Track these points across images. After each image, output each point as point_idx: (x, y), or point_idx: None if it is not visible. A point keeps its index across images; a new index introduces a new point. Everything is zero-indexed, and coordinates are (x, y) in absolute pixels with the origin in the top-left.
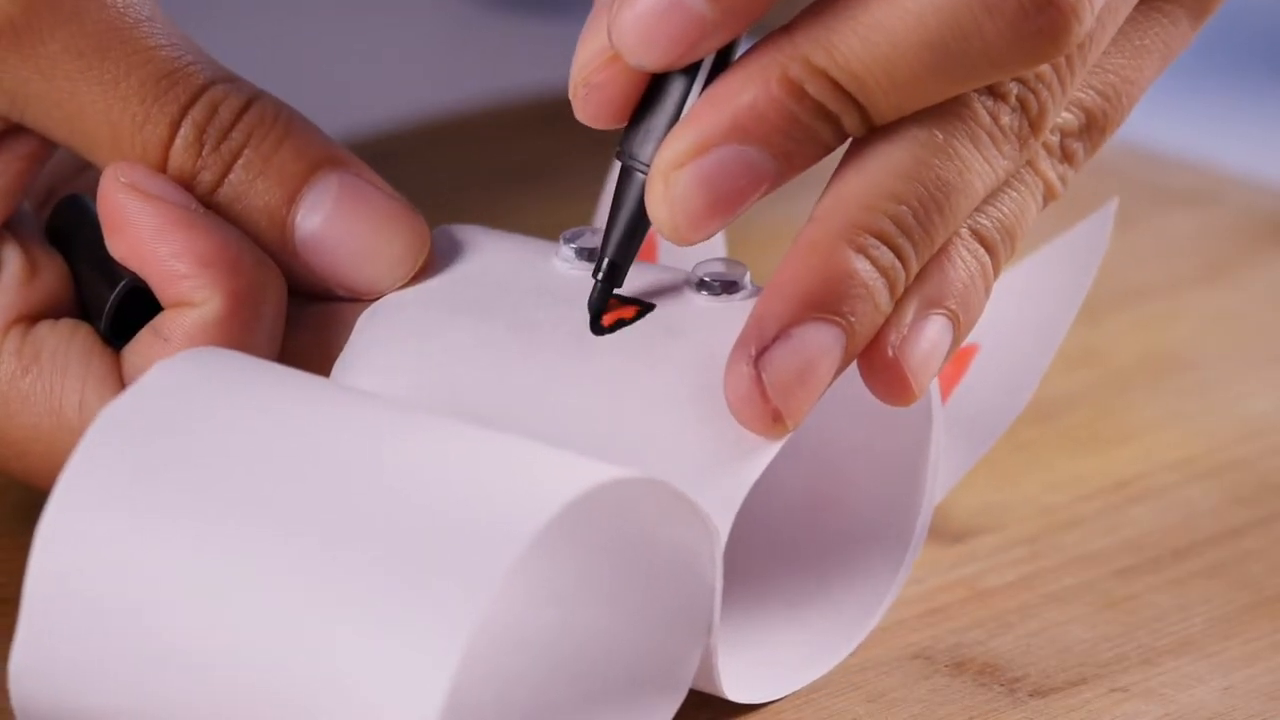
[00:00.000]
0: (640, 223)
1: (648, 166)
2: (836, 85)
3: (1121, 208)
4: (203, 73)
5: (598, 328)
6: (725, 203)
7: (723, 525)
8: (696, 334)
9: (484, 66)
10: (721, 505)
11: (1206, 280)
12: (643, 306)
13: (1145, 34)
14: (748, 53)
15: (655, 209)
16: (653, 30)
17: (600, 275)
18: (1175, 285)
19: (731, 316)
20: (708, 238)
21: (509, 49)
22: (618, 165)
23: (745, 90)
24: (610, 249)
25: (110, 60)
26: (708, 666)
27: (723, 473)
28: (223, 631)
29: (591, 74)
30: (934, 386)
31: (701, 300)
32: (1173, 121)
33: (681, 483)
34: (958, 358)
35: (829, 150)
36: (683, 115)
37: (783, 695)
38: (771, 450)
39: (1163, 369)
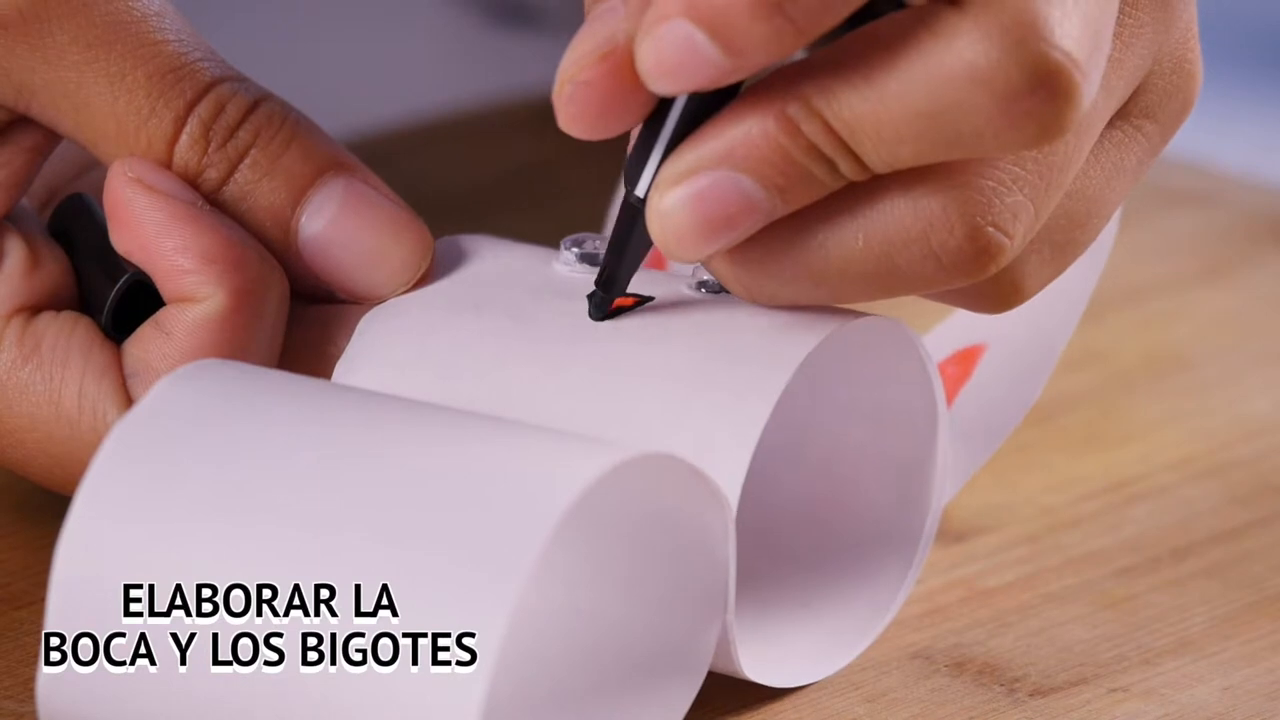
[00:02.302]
0: (634, 240)
1: (640, 197)
2: (831, 130)
3: (1122, 208)
4: (210, 70)
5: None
6: (714, 226)
7: (731, 495)
8: (695, 319)
9: (483, 68)
10: (727, 476)
11: (1207, 280)
12: (641, 299)
13: (1126, 153)
14: (755, 85)
15: (650, 225)
16: (668, 65)
17: (599, 283)
18: (1176, 285)
19: (730, 308)
20: (701, 259)
21: (508, 52)
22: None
23: (744, 121)
24: (609, 263)
25: (117, 52)
26: (725, 645)
27: (726, 442)
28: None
29: (579, 71)
30: (939, 390)
31: (701, 298)
32: None
33: (686, 455)
34: (964, 359)
35: (826, 190)
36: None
37: (798, 684)
38: (768, 410)
39: (1163, 369)
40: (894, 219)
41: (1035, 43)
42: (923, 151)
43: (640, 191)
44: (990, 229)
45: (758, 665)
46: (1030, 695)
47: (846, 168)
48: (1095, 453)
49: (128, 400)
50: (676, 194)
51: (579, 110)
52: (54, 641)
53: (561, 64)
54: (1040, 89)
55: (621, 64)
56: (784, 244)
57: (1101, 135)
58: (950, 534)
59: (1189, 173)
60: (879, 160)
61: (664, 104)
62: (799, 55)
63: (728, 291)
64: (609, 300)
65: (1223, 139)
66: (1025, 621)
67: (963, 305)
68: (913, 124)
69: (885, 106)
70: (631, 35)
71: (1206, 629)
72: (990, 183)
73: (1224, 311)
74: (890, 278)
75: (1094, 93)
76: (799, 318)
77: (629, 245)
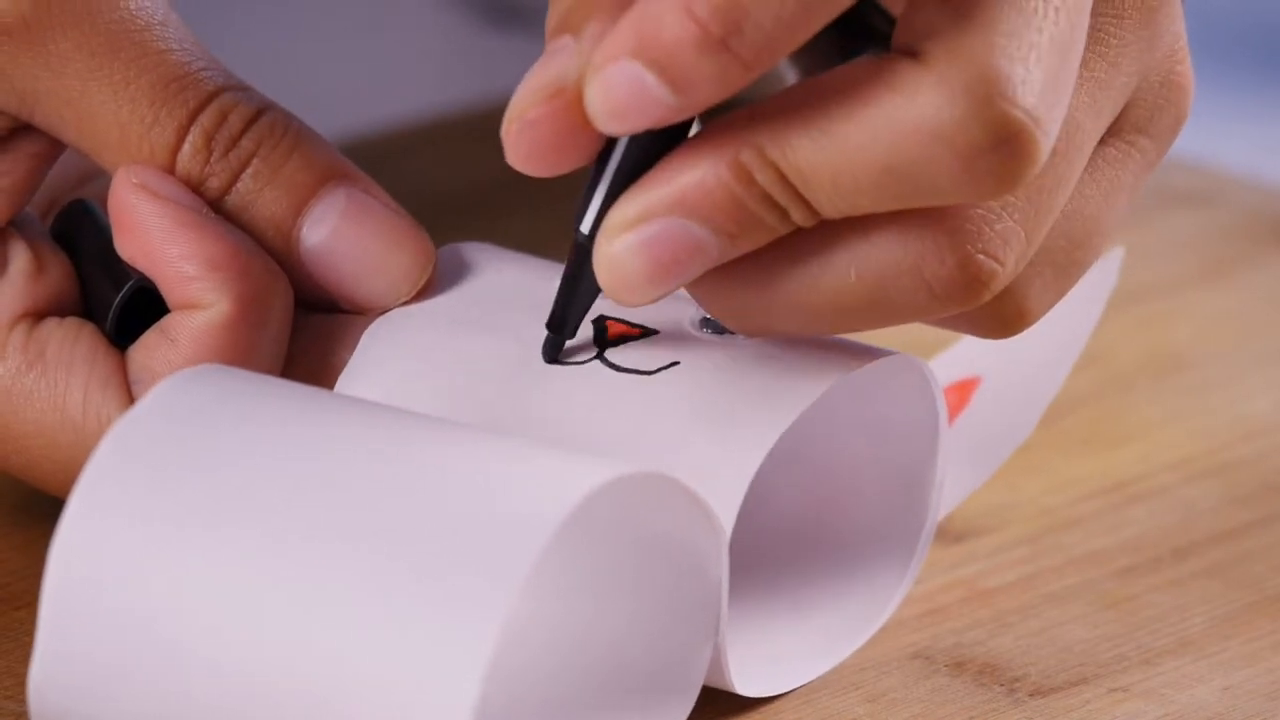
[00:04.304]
0: (585, 280)
1: (586, 234)
2: (785, 179)
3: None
4: (213, 79)
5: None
6: (664, 272)
7: (726, 520)
8: (699, 353)
9: (482, 69)
10: (724, 501)
11: (1207, 280)
12: (646, 330)
13: (1121, 169)
14: (706, 129)
15: (597, 269)
16: (617, 105)
17: (550, 325)
18: (1176, 285)
19: (733, 345)
20: (649, 303)
21: (506, 53)
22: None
23: (696, 168)
24: (559, 305)
25: (121, 61)
26: (718, 663)
27: (723, 469)
28: (246, 637)
29: (526, 109)
30: (941, 403)
31: (705, 337)
32: None
33: (684, 479)
34: (961, 389)
35: (777, 235)
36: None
37: (788, 690)
38: (769, 444)
39: (1163, 369)
40: (885, 251)
41: (998, 102)
42: (879, 201)
43: (585, 229)
44: (981, 256)
45: (750, 678)
46: (1030, 695)
47: (798, 215)
48: (1095, 453)
49: (132, 406)
50: (626, 240)
51: (527, 150)
52: (46, 641)
53: (511, 101)
54: (1002, 147)
55: (570, 103)
56: (776, 279)
57: (1095, 154)
58: (950, 534)
59: (1189, 173)
60: (833, 209)
61: (612, 142)
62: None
63: (731, 332)
64: (560, 343)
65: (1223, 139)
66: (1025, 621)
67: (970, 331)
68: (870, 176)
69: (843, 158)
70: (581, 74)
71: (1206, 629)
72: (980, 210)
73: (1224, 311)
74: (884, 309)
75: (1052, 144)
76: (807, 358)
77: (580, 286)
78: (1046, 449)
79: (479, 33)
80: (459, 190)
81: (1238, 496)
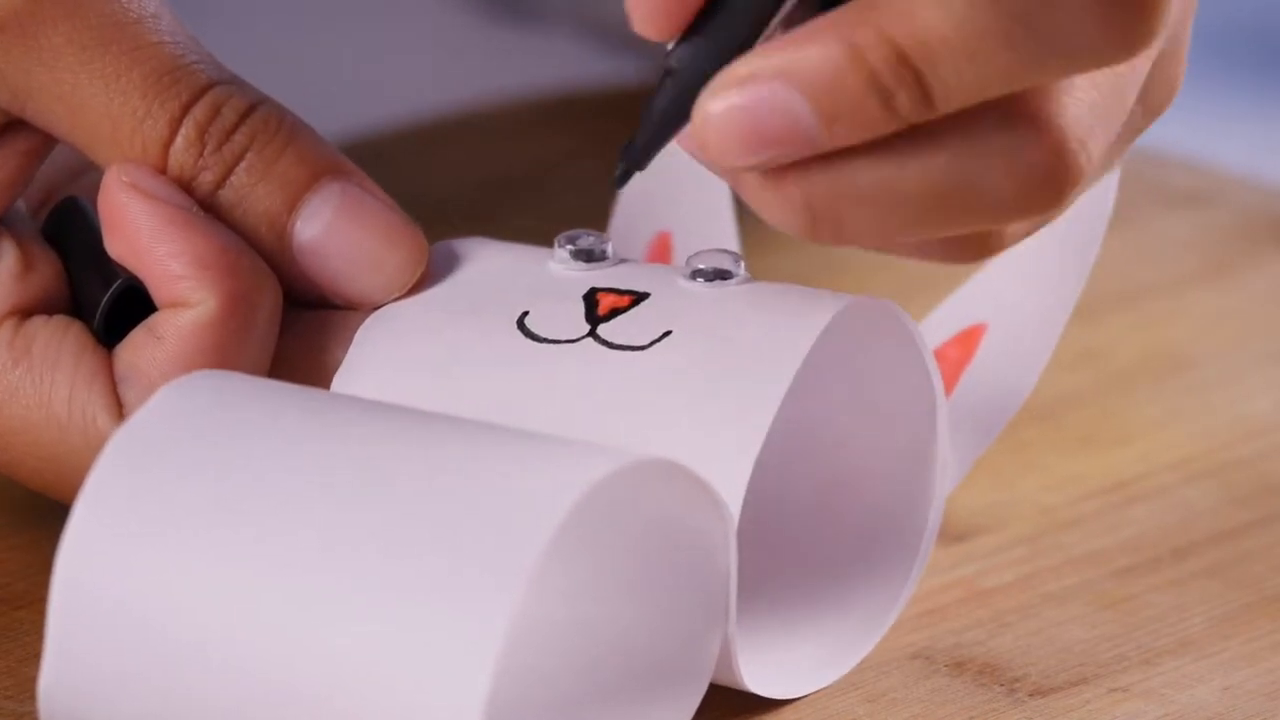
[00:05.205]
0: (671, 118)
1: (689, 71)
2: (901, 57)
3: (1121, 208)
4: (206, 72)
5: (624, 176)
6: (756, 138)
7: (733, 505)
8: (691, 316)
9: (484, 67)
10: (729, 484)
11: (1206, 280)
12: (637, 295)
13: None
14: (837, 10)
15: (694, 121)
16: None
17: (622, 149)
18: (1175, 285)
19: (725, 299)
20: (735, 167)
21: (509, 50)
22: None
23: (812, 42)
24: (639, 130)
25: (112, 54)
26: (727, 655)
27: (727, 451)
28: (254, 638)
29: None
30: (938, 380)
31: (695, 287)
32: (1173, 121)
33: (688, 464)
34: (965, 340)
35: (877, 130)
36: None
37: (802, 694)
38: (769, 420)
39: (1163, 369)
40: (981, 135)
41: None
42: (1003, 68)
43: (674, 62)
44: (1076, 148)
45: (760, 676)
46: (1030, 695)
47: (906, 99)
48: (1095, 453)
49: (118, 405)
50: (726, 97)
51: (652, 8)
52: (55, 647)
53: None
54: None
55: None
56: (863, 160)
57: None
58: (950, 534)
59: (1189, 173)
60: (956, 82)
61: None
62: None
63: (723, 279)
64: (627, 169)
65: (1223, 139)
66: (1025, 621)
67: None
68: (1001, 25)
69: (971, 12)
70: None
71: (1206, 629)
72: (1077, 103)
73: (1224, 311)
74: (968, 202)
75: None
76: (796, 311)
77: (665, 119)
78: (1046, 448)
79: (479, 31)
80: (458, 190)
81: (1237, 496)
